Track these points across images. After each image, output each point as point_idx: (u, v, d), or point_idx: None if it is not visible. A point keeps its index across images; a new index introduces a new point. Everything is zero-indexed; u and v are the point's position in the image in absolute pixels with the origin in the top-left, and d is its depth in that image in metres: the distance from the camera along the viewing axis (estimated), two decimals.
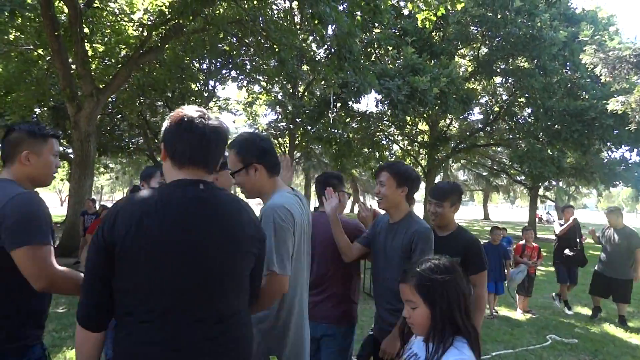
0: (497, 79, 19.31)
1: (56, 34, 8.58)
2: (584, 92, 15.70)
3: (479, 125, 20.59)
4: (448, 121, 20.47)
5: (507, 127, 19.54)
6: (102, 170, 21.12)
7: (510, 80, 18.16)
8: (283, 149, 20.91)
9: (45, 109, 14.07)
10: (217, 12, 10.57)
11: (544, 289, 8.06)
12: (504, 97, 19.50)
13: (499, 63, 16.99)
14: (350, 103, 14.12)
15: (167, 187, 1.41)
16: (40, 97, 12.54)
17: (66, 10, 9.38)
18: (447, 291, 1.38)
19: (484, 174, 29.45)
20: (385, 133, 19.59)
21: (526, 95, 16.96)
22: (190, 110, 1.45)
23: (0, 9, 4.23)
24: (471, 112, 19.51)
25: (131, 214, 1.30)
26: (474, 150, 21.18)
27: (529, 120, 17.51)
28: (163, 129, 1.47)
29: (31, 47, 11.28)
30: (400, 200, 2.43)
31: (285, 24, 12.08)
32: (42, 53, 11.28)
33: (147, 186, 2.84)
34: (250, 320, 1.53)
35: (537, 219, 26.54)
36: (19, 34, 11.02)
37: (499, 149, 22.62)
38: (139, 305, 1.29)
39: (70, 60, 9.43)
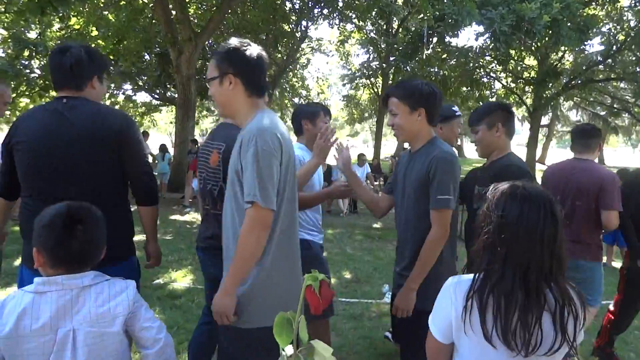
0: (625, 2, 16.63)
1: None
2: None
3: (599, 58, 18.15)
4: (560, 54, 18.33)
5: (634, 58, 17.00)
6: (204, 113, 22.41)
7: None
8: (376, 89, 20.44)
9: (153, 55, 15.06)
10: None
11: None
12: (632, 23, 16.84)
13: None
14: (447, 38, 13.16)
15: (41, 104, 1.95)
16: (147, 44, 13.41)
17: None
18: (484, 218, 1.24)
19: (602, 113, 26.37)
20: (487, 70, 18.16)
21: None
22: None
23: None
24: (589, 42, 17.20)
25: (19, 121, 1.89)
26: (590, 86, 18.83)
27: None
28: None
29: None
30: (419, 126, 2.06)
31: None
32: (146, 1, 11.93)
33: (312, 126, 2.62)
34: (109, 206, 1.75)
35: None
36: None
37: (621, 84, 19.95)
38: (25, 186, 1.87)
39: (170, 6, 9.87)
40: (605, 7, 16.69)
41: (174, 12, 9.81)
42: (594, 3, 15.96)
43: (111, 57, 12.86)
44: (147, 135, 11.18)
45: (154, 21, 12.38)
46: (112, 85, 15.91)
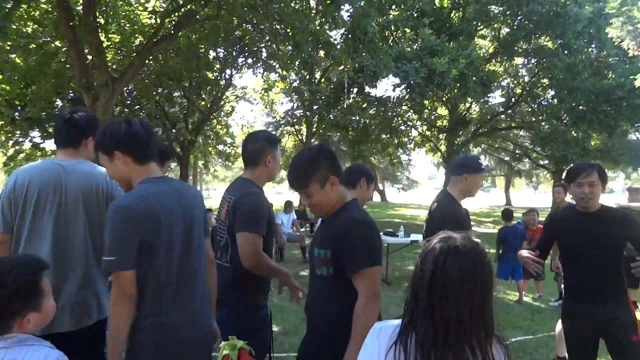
0: (519, 60, 18.76)
1: (71, 24, 8.61)
2: (611, 71, 15.11)
3: (500, 108, 20.10)
4: (468, 105, 20.04)
5: (530, 109, 19.03)
6: None
7: (532, 61, 17.63)
8: (300, 137, 20.82)
9: (65, 101, 14.27)
10: None
11: None
12: (526, 79, 18.96)
13: (521, 43, 16.48)
14: (367, 88, 13.90)
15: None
16: (60, 90, 12.69)
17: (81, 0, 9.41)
18: (415, 268, 1.24)
19: (506, 158, 28.84)
20: (404, 118, 19.30)
21: (549, 76, 16.44)
22: None
23: None
24: (492, 94, 19.02)
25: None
26: (495, 134, 20.72)
27: (553, 101, 16.99)
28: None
29: (49, 39, 11.39)
30: (123, 170, 1.76)
31: (300, 8, 11.91)
32: (59, 45, 11.38)
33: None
34: None
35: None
36: (37, 26, 11.13)
37: (521, 132, 22.09)
38: None
39: (86, 50, 9.48)
40: (503, 64, 18.66)
41: (90, 57, 9.41)
42: (493, 60, 17.80)
43: (17, 103, 11.96)
44: None
45: (67, 65, 11.80)
46: (18, 132, 14.73)
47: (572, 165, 2.64)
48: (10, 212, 2.06)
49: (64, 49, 11.18)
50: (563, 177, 2.61)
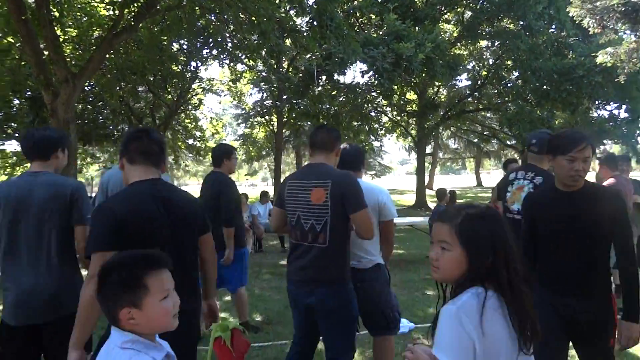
0: (483, 43, 19.05)
1: (23, 18, 8.20)
2: (571, 51, 15.51)
3: (467, 91, 20.40)
4: (436, 88, 20.24)
5: (496, 91, 19.37)
6: (88, 160, 20.71)
7: (496, 44, 17.90)
8: (271, 127, 20.64)
9: (23, 99, 13.67)
10: None
11: None
12: (491, 61, 19.27)
13: (484, 26, 16.70)
14: (335, 75, 13.83)
15: None
16: (16, 88, 12.15)
17: None
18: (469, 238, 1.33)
19: (475, 140, 29.37)
20: (374, 104, 19.36)
21: (513, 57, 16.74)
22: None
23: None
24: (459, 78, 19.27)
25: None
26: (463, 116, 21.03)
27: (517, 82, 17.33)
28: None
29: (0, 35, 10.84)
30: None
31: None
32: (12, 41, 10.85)
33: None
34: None
35: None
36: None
37: (488, 114, 22.51)
38: None
39: (42, 46, 9.07)
40: (468, 47, 18.90)
41: (46, 52, 9.00)
42: (458, 43, 17.99)
43: None
44: None
45: (22, 62, 11.27)
46: None
47: (559, 134, 2.17)
48: None
49: (17, 45, 10.68)
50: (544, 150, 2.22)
